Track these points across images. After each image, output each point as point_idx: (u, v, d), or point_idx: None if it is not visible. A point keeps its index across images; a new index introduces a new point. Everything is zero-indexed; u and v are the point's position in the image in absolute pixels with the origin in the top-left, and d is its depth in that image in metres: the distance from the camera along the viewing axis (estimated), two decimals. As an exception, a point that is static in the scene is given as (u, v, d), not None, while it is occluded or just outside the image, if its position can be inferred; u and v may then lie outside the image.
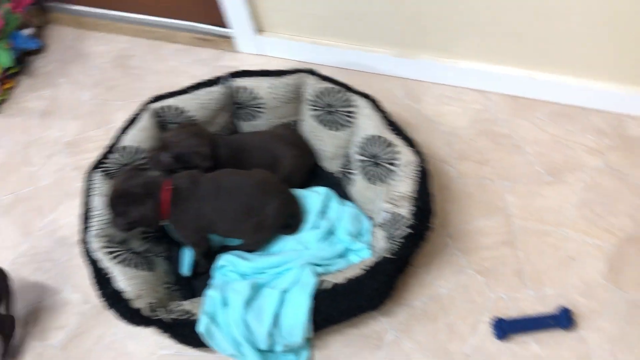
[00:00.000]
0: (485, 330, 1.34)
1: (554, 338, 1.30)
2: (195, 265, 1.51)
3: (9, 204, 1.75)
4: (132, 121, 1.54)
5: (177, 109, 1.56)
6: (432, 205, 1.35)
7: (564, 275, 1.38)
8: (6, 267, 1.60)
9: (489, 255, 1.44)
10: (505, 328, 1.31)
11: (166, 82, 1.95)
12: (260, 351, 1.32)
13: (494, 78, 1.68)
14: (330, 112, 1.53)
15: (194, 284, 1.50)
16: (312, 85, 1.54)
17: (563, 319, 1.30)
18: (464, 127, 1.67)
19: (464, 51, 1.67)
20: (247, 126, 1.66)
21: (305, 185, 1.57)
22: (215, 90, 1.57)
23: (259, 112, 1.61)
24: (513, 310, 1.35)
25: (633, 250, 1.39)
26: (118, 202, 1.34)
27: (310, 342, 1.37)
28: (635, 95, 1.56)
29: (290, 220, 1.48)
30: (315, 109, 1.55)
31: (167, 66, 2.01)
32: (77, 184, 1.74)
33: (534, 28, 1.51)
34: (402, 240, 1.28)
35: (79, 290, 1.54)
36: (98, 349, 1.44)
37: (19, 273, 1.59)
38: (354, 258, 1.44)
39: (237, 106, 1.61)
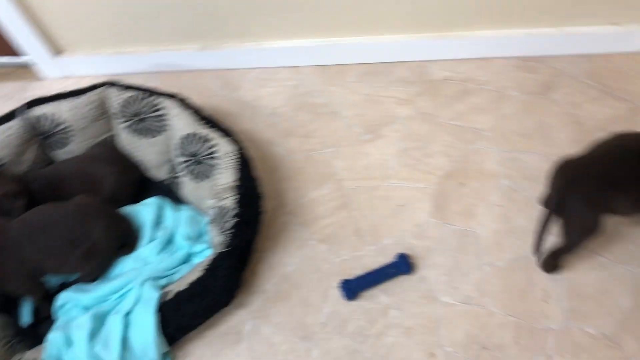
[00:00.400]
0: (336, 295, 1.37)
1: (399, 284, 1.37)
2: (37, 311, 1.42)
3: None
4: None
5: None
6: (258, 189, 1.36)
7: (397, 223, 1.45)
8: None
9: (327, 222, 1.48)
10: (352, 288, 1.36)
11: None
12: (119, 380, 1.27)
13: (301, 52, 1.71)
14: (140, 121, 1.49)
15: (40, 331, 1.40)
16: (115, 97, 1.49)
17: (402, 265, 1.37)
18: (284, 105, 1.69)
19: (265, 32, 1.68)
20: (62, 154, 1.57)
21: (135, 200, 1.52)
22: (14, 126, 1.47)
23: (68, 137, 1.52)
24: (358, 269, 1.39)
25: (451, 185, 1.49)
26: None
27: (170, 355, 1.34)
28: (431, 41, 1.65)
29: (125, 239, 1.43)
30: (125, 121, 1.50)
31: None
32: None
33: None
34: (232, 231, 1.28)
35: None
36: None
37: None
38: (198, 261, 1.42)
39: (42, 136, 1.52)
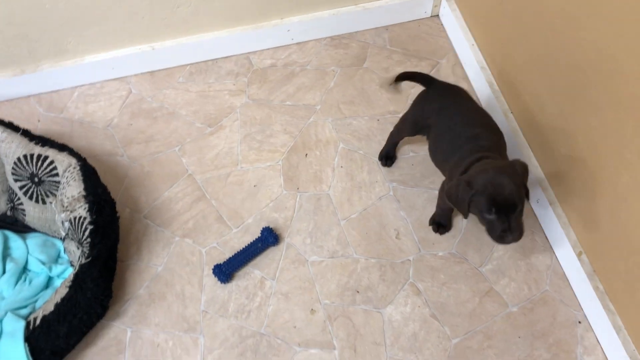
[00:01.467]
0: (211, 282, 1.40)
1: (269, 256, 1.44)
2: None
3: None
4: None
5: None
6: (108, 195, 1.34)
7: (255, 203, 1.52)
8: None
9: (187, 217, 1.49)
10: (225, 271, 1.39)
11: None
12: None
13: (124, 61, 1.70)
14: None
15: None
16: None
17: (269, 237, 1.43)
18: (117, 116, 1.67)
19: (83, 46, 1.65)
20: None
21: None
22: None
23: None
24: (228, 253, 1.43)
25: (296, 157, 1.59)
26: None
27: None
28: (249, 33, 1.74)
29: None
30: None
31: None
32: None
33: (144, 3, 1.58)
34: (89, 239, 1.25)
35: None
36: None
37: None
38: (60, 283, 1.35)
39: None
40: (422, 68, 1.75)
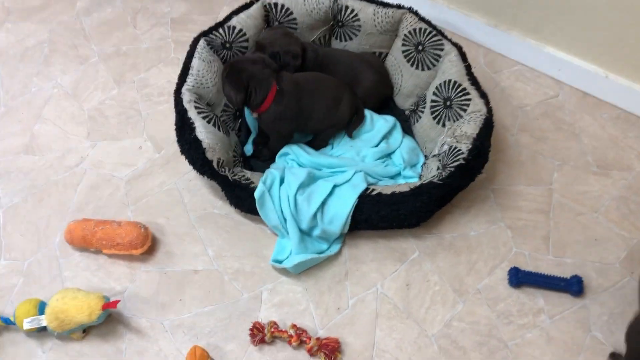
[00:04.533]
0: (502, 276, 1.46)
1: (561, 299, 1.42)
2: (257, 151, 1.66)
3: (109, 54, 1.94)
4: (244, 7, 1.70)
5: (286, 9, 1.71)
6: (488, 152, 1.48)
7: (585, 251, 1.49)
8: (94, 105, 1.79)
9: (523, 216, 1.56)
10: (520, 277, 1.43)
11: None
12: (301, 231, 1.47)
13: (572, 70, 1.78)
14: (419, 51, 1.66)
15: (253, 165, 1.65)
16: (410, 23, 1.67)
17: (574, 285, 1.42)
18: (532, 105, 1.78)
19: (551, 36, 1.77)
20: (338, 45, 1.81)
21: (377, 111, 1.70)
22: (324, 2, 1.71)
23: (355, 34, 1.75)
24: (531, 268, 1.47)
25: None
26: (239, 80, 1.47)
27: (344, 239, 1.52)
28: None
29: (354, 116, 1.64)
30: (406, 45, 1.68)
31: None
32: (173, 55, 1.92)
33: (628, 30, 1.62)
34: (452, 169, 1.41)
35: (153, 141, 1.71)
36: (157, 192, 1.61)
37: (104, 112, 1.78)
38: (402, 182, 1.58)
39: (338, 24, 1.75)
40: None
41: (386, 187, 1.47)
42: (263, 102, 1.48)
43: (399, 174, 1.60)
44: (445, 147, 1.50)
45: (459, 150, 1.44)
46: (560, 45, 1.78)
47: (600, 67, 1.74)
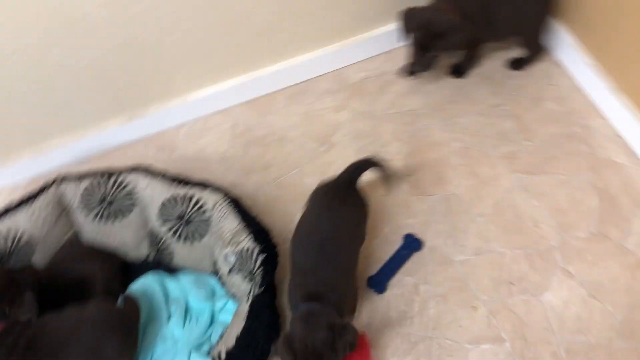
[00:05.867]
0: (366, 295, 1.43)
1: (416, 262, 1.46)
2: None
3: None
4: None
5: None
6: (263, 223, 1.36)
7: (386, 211, 1.55)
8: None
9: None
10: (379, 281, 1.42)
11: None
12: None
13: (226, 94, 1.74)
14: (109, 204, 1.41)
15: None
16: (72, 191, 1.39)
17: (412, 243, 1.47)
18: (230, 147, 1.71)
19: (188, 85, 1.69)
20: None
21: (124, 286, 1.42)
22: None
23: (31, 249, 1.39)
24: (376, 264, 1.46)
25: (414, 162, 1.62)
26: None
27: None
28: (338, 50, 1.78)
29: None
30: (90, 209, 1.41)
31: None
32: None
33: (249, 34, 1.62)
34: (262, 268, 1.28)
35: None
36: None
37: None
38: (225, 316, 1.38)
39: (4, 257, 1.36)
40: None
41: (225, 338, 1.27)
42: None
43: (214, 314, 1.39)
44: (233, 259, 1.33)
45: (247, 249, 1.30)
46: (200, 85, 1.70)
47: (242, 75, 1.73)
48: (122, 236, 1.46)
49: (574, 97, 1.69)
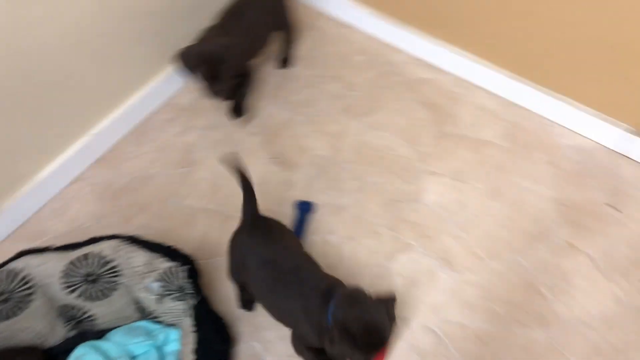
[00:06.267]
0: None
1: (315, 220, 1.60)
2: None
3: None
4: None
5: None
6: (166, 244, 1.40)
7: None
8: None
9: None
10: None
11: None
12: None
13: (71, 163, 1.72)
14: (5, 301, 1.33)
15: None
16: None
17: (303, 206, 1.61)
18: (99, 208, 1.70)
19: (30, 167, 1.64)
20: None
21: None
22: None
23: None
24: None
25: (274, 145, 1.77)
26: None
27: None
28: (155, 86, 1.86)
29: None
30: None
31: None
32: None
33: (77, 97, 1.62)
34: (190, 280, 1.32)
35: None
36: None
37: None
38: (172, 346, 1.39)
39: None
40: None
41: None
42: None
43: (160, 347, 1.38)
44: (157, 285, 1.34)
45: (170, 267, 1.32)
46: (44, 163, 1.67)
47: (82, 138, 1.73)
48: (32, 327, 1.38)
49: (370, 44, 1.97)
